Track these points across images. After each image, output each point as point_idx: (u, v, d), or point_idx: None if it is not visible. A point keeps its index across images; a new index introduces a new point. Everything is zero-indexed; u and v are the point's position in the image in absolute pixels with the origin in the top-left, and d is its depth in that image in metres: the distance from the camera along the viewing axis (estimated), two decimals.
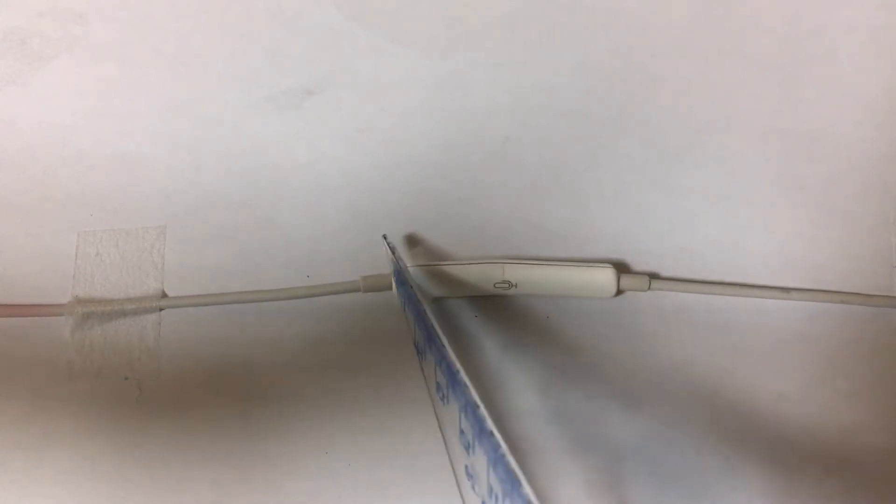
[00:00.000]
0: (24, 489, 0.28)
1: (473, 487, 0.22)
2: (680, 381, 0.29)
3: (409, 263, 0.29)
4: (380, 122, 0.31)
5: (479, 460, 0.20)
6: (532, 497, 0.17)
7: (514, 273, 0.29)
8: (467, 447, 0.21)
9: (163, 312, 0.30)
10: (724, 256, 0.30)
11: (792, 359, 0.29)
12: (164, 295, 0.30)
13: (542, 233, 0.30)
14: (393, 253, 0.28)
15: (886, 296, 0.30)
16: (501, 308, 0.30)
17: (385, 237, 0.29)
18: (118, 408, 0.29)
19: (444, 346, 0.23)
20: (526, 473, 0.18)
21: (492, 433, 0.19)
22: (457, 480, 0.23)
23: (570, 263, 0.29)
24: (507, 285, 0.29)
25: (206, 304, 0.29)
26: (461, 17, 0.32)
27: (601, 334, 0.29)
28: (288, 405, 0.29)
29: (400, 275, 0.27)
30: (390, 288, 0.29)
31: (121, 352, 0.29)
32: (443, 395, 0.23)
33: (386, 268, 0.29)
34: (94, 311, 0.29)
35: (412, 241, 0.30)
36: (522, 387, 0.29)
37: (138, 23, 0.32)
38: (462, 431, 0.21)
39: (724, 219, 0.30)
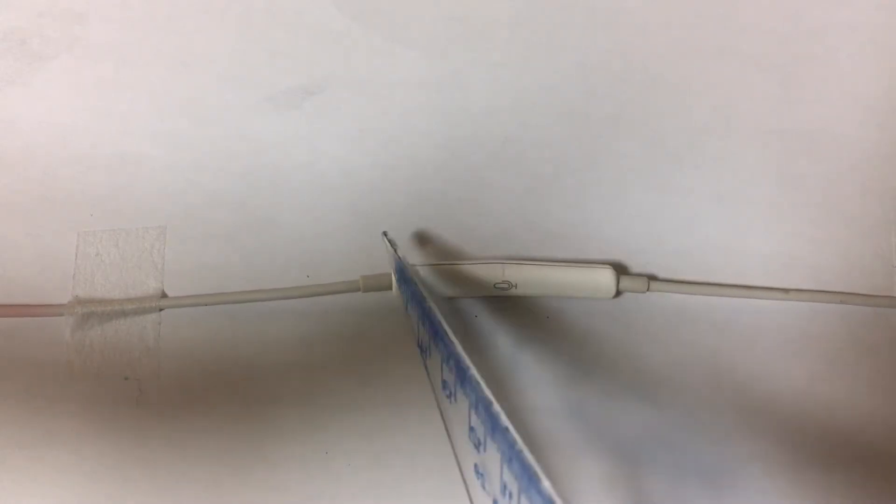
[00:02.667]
0: (24, 489, 0.28)
1: (483, 486, 0.21)
2: (679, 383, 0.29)
3: (412, 262, 0.29)
4: (380, 122, 0.31)
5: (492, 457, 0.20)
6: (551, 492, 0.18)
7: (514, 273, 0.29)
8: (477, 445, 0.21)
9: (163, 312, 0.30)
10: (724, 257, 0.30)
11: (792, 359, 0.29)
12: (164, 295, 0.30)
13: (542, 233, 0.30)
14: (394, 249, 0.28)
15: (886, 296, 0.30)
16: (501, 308, 0.30)
17: (385, 234, 0.29)
18: (118, 408, 0.29)
19: (452, 342, 0.22)
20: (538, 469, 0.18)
21: (507, 429, 0.19)
22: (464, 480, 0.23)
23: (570, 264, 0.29)
24: (507, 285, 0.29)
25: (206, 304, 0.29)
26: (461, 17, 0.32)
27: (600, 335, 0.29)
28: (288, 405, 0.29)
29: (402, 272, 0.27)
30: (390, 288, 0.29)
31: (121, 352, 0.29)
32: (450, 392, 0.23)
33: (386, 267, 0.29)
34: (94, 311, 0.29)
35: (421, 239, 0.30)
36: (522, 387, 0.29)
37: (138, 23, 0.32)
38: (472, 429, 0.21)
39: (724, 219, 0.31)
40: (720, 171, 0.31)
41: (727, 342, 0.29)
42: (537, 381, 0.29)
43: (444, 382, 0.23)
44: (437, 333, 0.23)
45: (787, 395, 0.29)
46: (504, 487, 0.20)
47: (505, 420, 0.19)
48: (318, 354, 0.29)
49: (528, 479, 0.18)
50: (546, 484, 0.18)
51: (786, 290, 0.29)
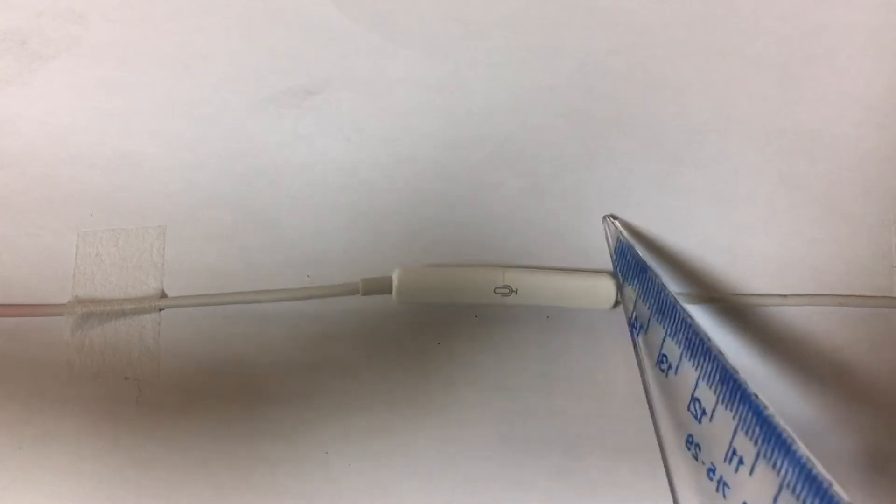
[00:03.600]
0: (24, 489, 0.28)
1: (696, 456, 0.22)
2: None
3: (409, 262, 0.29)
4: (380, 122, 0.31)
5: (721, 426, 0.20)
6: (807, 452, 0.18)
7: (515, 278, 0.29)
8: (699, 416, 0.22)
9: (163, 312, 0.30)
10: (724, 257, 0.30)
11: (792, 359, 0.29)
12: (164, 295, 0.30)
13: (542, 233, 0.30)
14: (621, 231, 0.29)
15: (886, 297, 0.30)
16: (501, 311, 0.30)
17: (611, 216, 0.30)
18: (118, 408, 0.29)
19: (688, 316, 0.23)
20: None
21: (756, 396, 0.20)
22: (663, 454, 0.24)
23: (570, 271, 0.29)
24: (507, 290, 0.29)
25: (206, 304, 0.29)
26: (461, 17, 0.32)
27: (600, 336, 0.29)
28: (288, 405, 0.29)
29: (626, 252, 0.28)
30: (390, 291, 0.29)
31: (121, 352, 0.29)
32: (668, 366, 0.24)
33: (386, 270, 0.29)
34: (94, 311, 0.29)
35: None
36: (522, 388, 0.29)
37: (138, 23, 0.32)
38: (695, 400, 0.22)
39: (724, 219, 0.31)
40: (720, 171, 0.31)
41: (727, 343, 0.29)
42: (536, 384, 0.29)
43: (663, 356, 0.24)
44: (665, 310, 0.24)
45: (787, 395, 0.29)
46: (731, 454, 0.20)
47: (751, 388, 0.20)
48: (318, 355, 0.29)
49: (776, 443, 0.18)
50: (801, 445, 0.18)
51: (784, 296, 0.30)
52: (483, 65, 0.32)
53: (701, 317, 0.30)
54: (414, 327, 0.30)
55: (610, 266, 0.29)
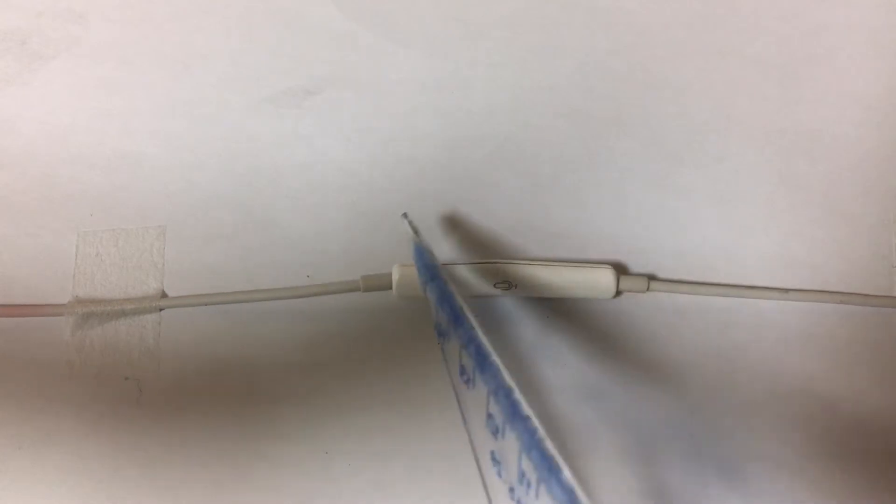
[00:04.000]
0: (24, 489, 0.28)
1: (500, 473, 0.21)
2: (678, 383, 0.29)
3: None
4: (380, 122, 0.31)
5: (510, 445, 0.20)
6: (573, 483, 0.17)
7: (514, 273, 0.29)
8: (495, 432, 0.21)
9: (163, 312, 0.30)
10: (724, 257, 0.30)
11: (792, 359, 0.29)
12: (164, 295, 0.30)
13: (542, 233, 0.30)
14: (415, 232, 0.27)
15: (886, 296, 0.30)
16: (500, 308, 0.30)
17: (406, 215, 0.28)
18: (118, 408, 0.29)
19: (473, 327, 0.22)
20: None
21: (527, 417, 0.19)
22: (479, 466, 0.23)
23: (569, 264, 0.29)
24: (506, 285, 0.29)
25: (206, 304, 0.29)
26: (461, 17, 0.32)
27: (600, 335, 0.29)
28: (288, 405, 0.29)
29: (421, 254, 0.26)
30: (390, 287, 0.29)
31: (121, 352, 0.29)
32: (468, 378, 0.22)
33: (387, 266, 0.29)
34: (94, 311, 0.29)
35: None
36: (522, 388, 0.29)
37: (138, 23, 0.32)
38: (490, 416, 0.21)
39: (724, 219, 0.31)
40: (720, 171, 0.31)
41: (727, 342, 0.29)
42: (535, 382, 0.29)
43: (462, 368, 0.23)
44: (456, 318, 0.22)
45: (788, 395, 0.29)
46: (522, 476, 0.19)
47: (526, 408, 0.19)
48: (318, 354, 0.29)
49: (549, 469, 0.18)
50: (567, 474, 0.17)
51: (785, 290, 0.29)
52: (483, 65, 0.32)
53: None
54: (414, 327, 0.30)
55: (612, 260, 0.29)
